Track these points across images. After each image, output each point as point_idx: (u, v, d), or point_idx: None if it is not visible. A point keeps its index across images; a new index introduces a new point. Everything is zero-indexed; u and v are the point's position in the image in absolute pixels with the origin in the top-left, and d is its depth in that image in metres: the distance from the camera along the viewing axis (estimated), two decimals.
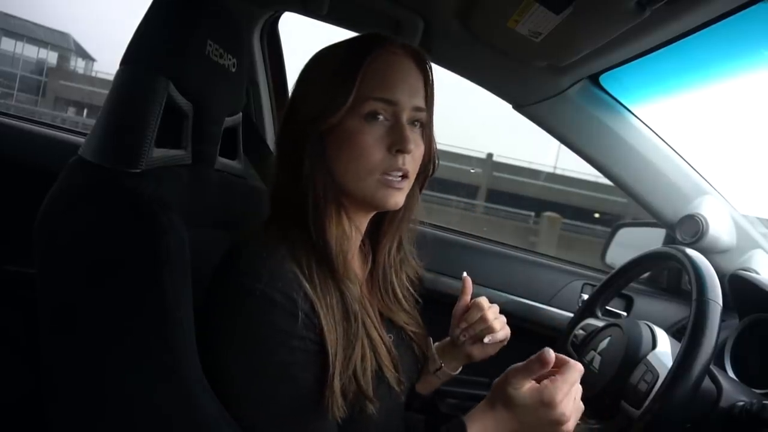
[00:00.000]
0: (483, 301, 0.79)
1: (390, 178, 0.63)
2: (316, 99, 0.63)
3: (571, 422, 0.60)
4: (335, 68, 0.63)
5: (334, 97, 0.62)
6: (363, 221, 0.71)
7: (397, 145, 0.62)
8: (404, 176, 0.64)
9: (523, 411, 0.60)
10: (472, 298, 0.81)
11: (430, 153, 0.71)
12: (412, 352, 0.78)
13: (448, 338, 0.84)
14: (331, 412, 0.59)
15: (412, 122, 0.66)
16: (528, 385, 0.60)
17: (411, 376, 0.77)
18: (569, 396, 0.60)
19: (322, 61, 0.67)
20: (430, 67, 0.68)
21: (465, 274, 0.81)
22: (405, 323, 0.76)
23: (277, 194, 0.67)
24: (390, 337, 0.73)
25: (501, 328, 0.78)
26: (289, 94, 0.70)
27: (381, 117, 0.63)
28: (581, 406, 0.63)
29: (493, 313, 0.78)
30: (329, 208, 0.64)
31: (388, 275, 0.76)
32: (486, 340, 0.77)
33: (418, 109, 0.65)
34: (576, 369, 0.61)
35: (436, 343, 0.86)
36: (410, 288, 0.79)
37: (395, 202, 0.65)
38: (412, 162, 0.65)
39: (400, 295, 0.77)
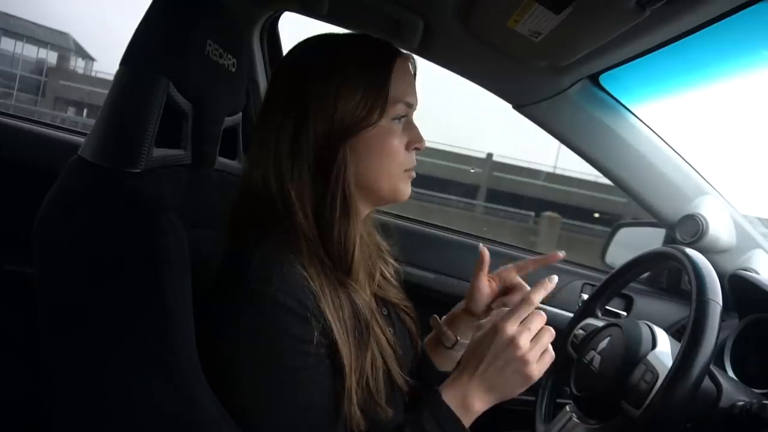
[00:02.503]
0: (522, 282, 0.81)
1: (409, 173, 0.69)
2: (352, 104, 0.62)
3: (535, 363, 0.62)
4: (368, 72, 0.64)
5: (373, 106, 0.63)
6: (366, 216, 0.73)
7: (415, 143, 0.68)
8: (413, 169, 0.70)
9: (480, 347, 0.64)
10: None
11: None
12: (407, 330, 0.79)
13: (457, 309, 0.86)
14: (351, 424, 0.60)
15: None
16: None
17: (408, 356, 0.78)
18: (524, 327, 0.62)
19: (341, 63, 0.64)
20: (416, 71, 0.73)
21: (481, 245, 0.83)
22: (397, 299, 0.79)
23: (274, 203, 0.63)
24: (391, 331, 0.73)
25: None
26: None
27: (401, 119, 0.67)
28: (551, 352, 0.64)
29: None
30: (357, 212, 0.66)
31: (374, 258, 0.77)
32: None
33: (415, 108, 0.70)
34: (527, 302, 0.63)
35: (443, 318, 0.87)
36: (393, 264, 0.82)
37: (410, 192, 0.70)
38: None
39: (387, 274, 0.79)
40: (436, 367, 0.84)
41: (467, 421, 0.63)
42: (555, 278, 0.68)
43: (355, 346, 0.62)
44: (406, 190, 0.69)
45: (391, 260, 0.82)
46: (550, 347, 0.64)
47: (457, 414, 0.62)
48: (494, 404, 0.64)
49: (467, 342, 0.82)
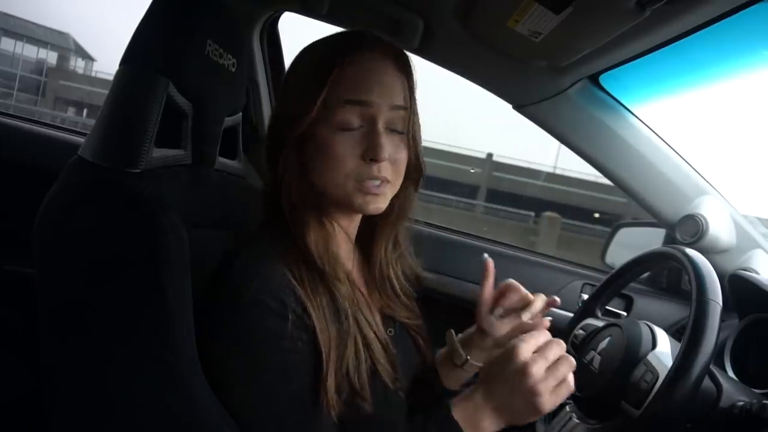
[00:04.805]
0: (515, 283, 0.79)
1: (366, 185, 0.62)
2: (291, 103, 0.65)
3: (548, 395, 0.58)
4: (308, 73, 0.64)
5: (304, 105, 0.62)
6: (349, 221, 0.71)
7: (370, 154, 0.61)
8: (383, 182, 0.63)
9: (494, 367, 0.60)
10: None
11: (417, 155, 0.69)
12: (414, 346, 0.78)
13: (472, 329, 0.84)
14: (327, 410, 0.60)
15: (390, 127, 0.64)
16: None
17: (411, 370, 0.77)
18: (540, 355, 0.58)
19: (301, 62, 0.67)
20: (411, 67, 0.67)
21: (486, 255, 0.79)
22: (406, 318, 0.77)
23: (267, 197, 0.68)
24: (390, 332, 0.73)
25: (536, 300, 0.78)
26: None
27: (355, 126, 0.62)
28: (570, 384, 0.59)
29: (539, 302, 0.77)
30: (307, 211, 0.65)
31: (384, 272, 0.76)
32: (525, 317, 0.75)
33: (396, 107, 0.64)
34: (542, 332, 0.60)
35: (459, 336, 0.85)
36: (407, 284, 0.79)
37: (376, 207, 0.65)
38: (390, 168, 0.64)
39: (399, 291, 0.77)
40: (441, 381, 0.83)
41: None
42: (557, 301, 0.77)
43: (336, 334, 0.62)
44: (363, 203, 0.63)
45: (408, 287, 0.79)
46: (570, 379, 0.59)
47: (463, 429, 0.60)
48: (504, 427, 0.61)
49: (478, 363, 0.81)
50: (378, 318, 0.72)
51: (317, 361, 0.60)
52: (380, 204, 0.65)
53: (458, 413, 0.61)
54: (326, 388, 0.59)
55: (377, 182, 0.63)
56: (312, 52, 0.67)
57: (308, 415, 0.60)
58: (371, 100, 0.62)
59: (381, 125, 0.62)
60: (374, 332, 0.67)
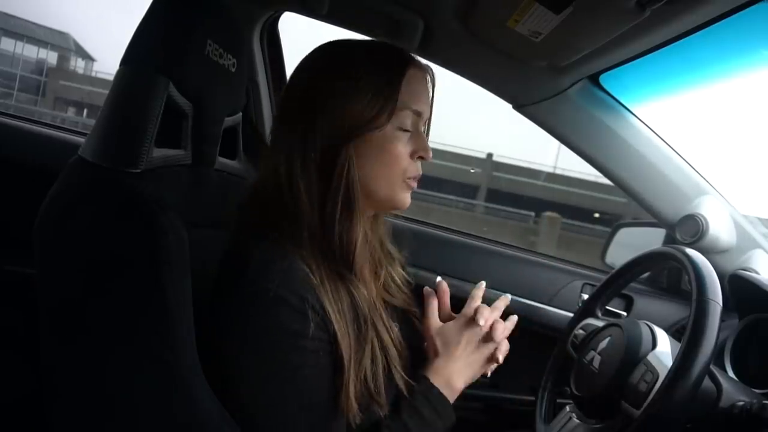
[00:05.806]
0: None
1: (409, 181, 0.69)
2: (360, 105, 0.63)
3: (498, 345, 0.73)
4: (379, 75, 0.64)
5: (381, 109, 0.64)
6: (369, 221, 0.73)
7: (420, 152, 0.68)
8: (417, 178, 0.70)
9: (453, 336, 0.73)
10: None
11: None
12: (417, 332, 0.79)
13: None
14: (347, 416, 0.60)
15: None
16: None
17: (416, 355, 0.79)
18: (500, 324, 0.73)
19: (353, 64, 0.65)
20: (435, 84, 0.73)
21: (439, 278, 0.85)
22: (407, 304, 0.80)
23: (283, 198, 0.64)
24: (396, 325, 0.74)
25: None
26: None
27: (408, 129, 0.67)
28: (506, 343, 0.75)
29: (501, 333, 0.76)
30: (359, 213, 0.65)
31: (383, 264, 0.78)
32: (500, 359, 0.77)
33: (428, 119, 0.72)
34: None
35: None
36: (403, 273, 0.83)
37: (409, 201, 0.71)
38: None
39: (399, 281, 0.81)
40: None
41: (452, 399, 0.71)
42: (508, 296, 0.82)
43: (355, 339, 0.63)
44: (405, 199, 0.69)
45: (400, 269, 0.82)
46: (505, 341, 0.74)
47: (444, 394, 0.70)
48: (471, 381, 0.74)
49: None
50: (387, 317, 0.73)
51: (335, 365, 0.60)
52: (410, 198, 0.71)
53: (436, 382, 0.70)
54: (348, 394, 0.60)
55: (415, 178, 0.70)
56: (365, 59, 0.66)
57: (322, 418, 0.60)
58: (423, 110, 0.69)
59: (422, 129, 0.71)
60: (390, 337, 0.69)
